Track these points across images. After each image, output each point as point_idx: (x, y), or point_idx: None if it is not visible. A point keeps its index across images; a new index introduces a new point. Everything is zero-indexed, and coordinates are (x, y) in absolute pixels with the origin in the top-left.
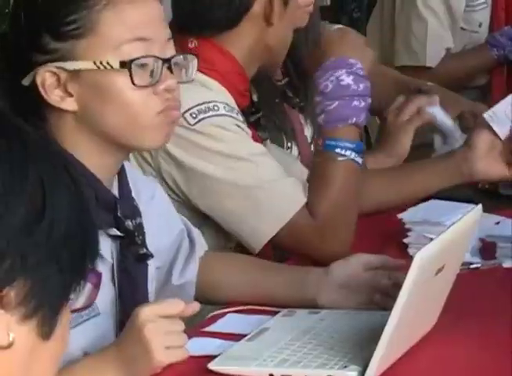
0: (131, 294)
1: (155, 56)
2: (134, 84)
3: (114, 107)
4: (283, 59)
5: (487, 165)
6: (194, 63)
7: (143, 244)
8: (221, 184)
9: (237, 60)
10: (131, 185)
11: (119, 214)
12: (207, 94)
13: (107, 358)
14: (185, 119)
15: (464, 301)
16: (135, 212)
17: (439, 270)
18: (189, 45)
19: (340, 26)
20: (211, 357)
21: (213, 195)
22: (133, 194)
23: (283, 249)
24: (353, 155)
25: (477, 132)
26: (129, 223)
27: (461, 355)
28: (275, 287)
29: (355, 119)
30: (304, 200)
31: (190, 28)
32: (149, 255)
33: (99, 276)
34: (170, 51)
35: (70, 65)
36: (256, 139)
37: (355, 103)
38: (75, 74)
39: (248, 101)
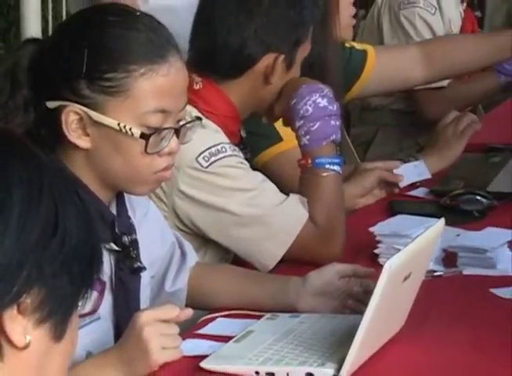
0: (125, 301)
1: (170, 127)
2: (146, 152)
3: (122, 161)
4: (267, 108)
5: None
6: (196, 125)
7: (137, 258)
8: (237, 216)
9: (235, 106)
10: (127, 203)
11: (117, 230)
12: (215, 137)
13: (108, 358)
14: (198, 162)
15: (428, 306)
16: (131, 229)
17: (406, 277)
18: (194, 87)
19: None
20: (203, 357)
21: (230, 227)
22: (129, 212)
23: (291, 258)
24: (338, 168)
25: None
26: (125, 239)
27: (425, 353)
28: (259, 295)
29: (334, 136)
30: (307, 214)
31: (201, 66)
32: (142, 268)
33: (103, 284)
34: (182, 117)
35: (97, 116)
36: None
37: (333, 122)
38: (98, 122)
39: (238, 139)
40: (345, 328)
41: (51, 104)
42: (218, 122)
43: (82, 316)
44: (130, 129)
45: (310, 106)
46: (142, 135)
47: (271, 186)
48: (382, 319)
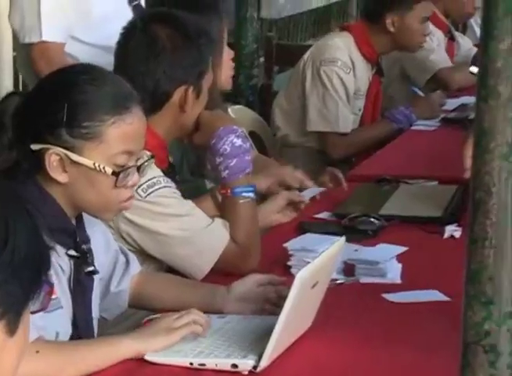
0: (81, 297)
1: (134, 166)
2: (116, 186)
3: (95, 193)
4: (190, 131)
5: None
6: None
7: (92, 263)
8: (170, 237)
9: (161, 137)
10: (84, 218)
11: (78, 239)
12: (151, 172)
13: (126, 334)
14: (138, 193)
15: (332, 308)
16: (87, 239)
17: (314, 285)
18: None
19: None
20: None
21: (165, 246)
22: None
23: (217, 270)
24: (252, 195)
25: None
26: (84, 247)
27: (329, 348)
28: (192, 299)
29: (248, 169)
30: (228, 235)
31: None
32: (95, 271)
33: (51, 286)
34: (141, 155)
35: (76, 157)
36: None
37: (247, 157)
38: (76, 162)
39: (167, 164)
40: (264, 327)
41: (35, 146)
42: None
43: (34, 312)
44: (103, 168)
45: (228, 145)
46: (113, 173)
47: (199, 212)
48: (294, 319)
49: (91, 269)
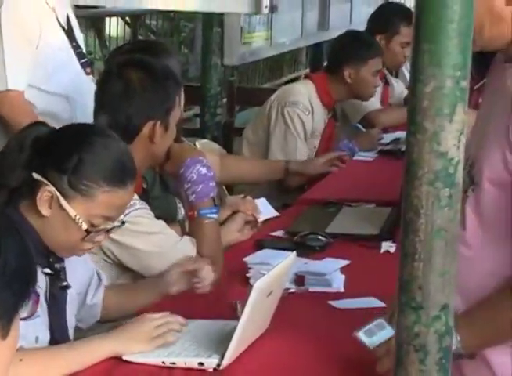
0: (55, 308)
1: (105, 229)
2: (83, 239)
3: (63, 236)
4: (162, 160)
5: None
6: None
7: (65, 279)
8: (146, 252)
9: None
10: None
11: (51, 259)
12: None
13: (109, 333)
14: None
15: (285, 313)
16: (60, 259)
17: (269, 294)
18: None
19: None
20: None
21: (141, 260)
22: None
23: None
24: (215, 216)
25: None
26: (57, 266)
27: (283, 347)
28: (143, 294)
29: (212, 194)
30: (195, 251)
31: None
32: (68, 286)
33: (38, 295)
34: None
35: (64, 203)
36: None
37: (211, 184)
38: (62, 206)
39: (141, 190)
40: (226, 330)
41: (37, 176)
42: None
43: (23, 318)
44: (81, 222)
45: (194, 174)
46: (86, 230)
47: (170, 230)
48: (252, 323)
49: (64, 284)
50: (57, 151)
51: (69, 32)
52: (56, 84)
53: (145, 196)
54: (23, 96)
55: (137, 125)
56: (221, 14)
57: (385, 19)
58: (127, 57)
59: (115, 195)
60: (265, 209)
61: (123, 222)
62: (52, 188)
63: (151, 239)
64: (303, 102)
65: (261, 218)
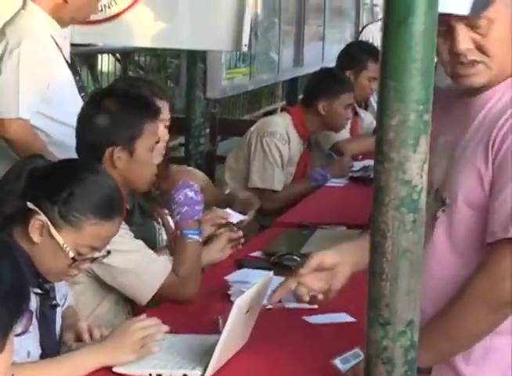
0: (45, 324)
1: (91, 258)
2: (70, 266)
3: (51, 262)
4: (145, 186)
5: None
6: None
7: (54, 298)
8: (120, 269)
9: None
10: None
11: (40, 280)
12: None
13: (93, 346)
14: None
15: (263, 328)
16: None
17: (248, 310)
18: None
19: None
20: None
21: (116, 276)
22: None
23: (162, 297)
24: (197, 237)
25: None
26: (46, 286)
27: (261, 359)
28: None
29: (197, 217)
30: (170, 269)
31: None
32: (57, 305)
33: (31, 313)
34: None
35: (53, 232)
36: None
37: (197, 207)
38: (51, 234)
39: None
40: (208, 344)
41: (30, 205)
42: None
43: (17, 335)
44: (68, 250)
45: (182, 196)
46: (73, 258)
47: (147, 249)
48: (233, 337)
49: (53, 303)
50: (51, 183)
51: (73, 66)
52: (66, 115)
53: (126, 217)
54: (30, 125)
55: (98, 149)
56: (205, 51)
57: (353, 56)
58: (109, 87)
59: (102, 227)
60: (234, 215)
61: (108, 252)
62: (43, 217)
63: (127, 257)
64: (280, 132)
65: (234, 220)
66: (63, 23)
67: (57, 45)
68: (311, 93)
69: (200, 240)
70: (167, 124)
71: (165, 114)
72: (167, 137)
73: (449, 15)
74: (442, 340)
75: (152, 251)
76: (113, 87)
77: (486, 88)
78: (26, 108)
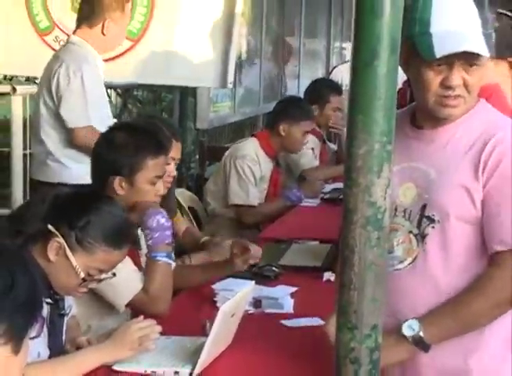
0: (54, 331)
1: (98, 279)
2: (80, 285)
3: (63, 279)
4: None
5: None
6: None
7: (63, 308)
8: (107, 281)
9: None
10: None
11: (51, 291)
12: None
13: (99, 345)
14: None
15: (245, 330)
16: None
17: (233, 315)
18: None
19: None
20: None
21: (105, 286)
22: None
23: (137, 312)
24: (166, 259)
25: None
26: (57, 297)
27: (244, 358)
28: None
29: (167, 241)
30: (140, 287)
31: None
32: (65, 314)
33: (43, 319)
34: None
35: (69, 254)
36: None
37: (167, 232)
38: (67, 256)
39: None
40: (197, 345)
41: (51, 228)
42: None
43: (31, 338)
44: (79, 271)
45: (154, 222)
46: (83, 278)
47: (133, 268)
48: (218, 339)
49: (62, 312)
50: (71, 210)
51: (106, 91)
52: (105, 127)
53: None
54: (97, 130)
55: (104, 177)
56: (195, 87)
57: (318, 92)
58: (121, 122)
59: (111, 254)
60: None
61: (114, 274)
62: (61, 240)
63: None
64: (250, 154)
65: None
66: (100, 52)
67: (100, 73)
68: (276, 116)
69: (171, 262)
70: (177, 162)
71: (175, 153)
72: (174, 173)
73: (455, 54)
74: (452, 322)
75: (134, 267)
76: (128, 121)
77: (452, 121)
78: (93, 117)
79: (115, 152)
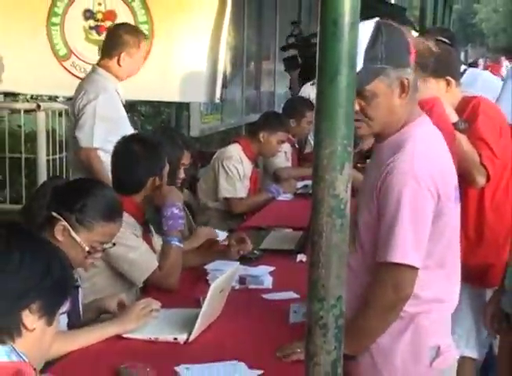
0: (71, 302)
1: (101, 250)
2: (86, 257)
3: (71, 254)
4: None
5: None
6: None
7: (77, 281)
8: (124, 259)
9: (140, 206)
10: None
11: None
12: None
13: (112, 319)
14: None
15: (232, 304)
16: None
17: (221, 291)
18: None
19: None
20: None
21: (120, 262)
22: None
23: (153, 286)
24: (177, 243)
25: None
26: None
27: (231, 327)
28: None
29: (180, 228)
30: (156, 265)
31: (119, 191)
32: (78, 285)
33: (72, 296)
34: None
35: (73, 234)
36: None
37: (180, 221)
38: (71, 235)
39: (143, 221)
40: (192, 316)
41: (54, 214)
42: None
43: (63, 313)
44: (84, 246)
45: (169, 212)
46: (88, 251)
47: (147, 248)
48: (209, 311)
49: (77, 284)
50: (69, 197)
51: (125, 107)
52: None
53: (146, 226)
54: (97, 152)
55: (142, 181)
56: (188, 102)
57: (295, 108)
58: (133, 134)
59: (108, 227)
60: (220, 234)
61: (114, 244)
62: (64, 223)
63: (128, 249)
64: (235, 156)
65: (220, 238)
66: (118, 79)
67: (118, 94)
68: (258, 125)
69: (181, 245)
70: (186, 166)
71: (185, 160)
72: (182, 175)
73: None
74: (362, 336)
75: (150, 250)
76: (134, 135)
77: (382, 140)
78: (98, 140)
79: (143, 160)
